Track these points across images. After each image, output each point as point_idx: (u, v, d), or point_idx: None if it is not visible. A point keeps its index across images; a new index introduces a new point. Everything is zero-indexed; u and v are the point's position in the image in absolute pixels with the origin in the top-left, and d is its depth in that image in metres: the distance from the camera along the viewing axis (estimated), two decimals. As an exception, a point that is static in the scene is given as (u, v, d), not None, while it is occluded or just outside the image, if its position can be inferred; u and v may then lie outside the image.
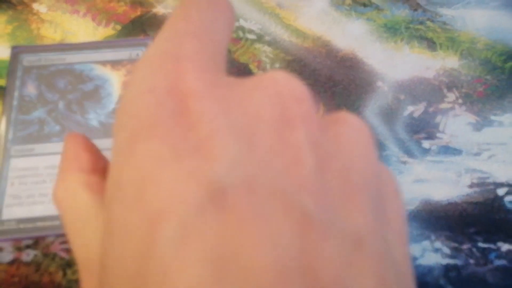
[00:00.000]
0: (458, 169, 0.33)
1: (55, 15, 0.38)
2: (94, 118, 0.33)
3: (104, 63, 0.35)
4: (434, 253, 0.30)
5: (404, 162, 0.33)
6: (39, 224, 0.29)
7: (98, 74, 0.34)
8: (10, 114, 0.33)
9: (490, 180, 0.32)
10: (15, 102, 0.33)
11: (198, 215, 0.09)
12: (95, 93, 0.34)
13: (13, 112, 0.33)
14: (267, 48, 0.37)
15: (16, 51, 0.35)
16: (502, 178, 0.32)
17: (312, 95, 0.12)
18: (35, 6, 0.38)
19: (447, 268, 0.29)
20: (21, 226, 0.29)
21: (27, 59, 0.35)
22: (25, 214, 0.30)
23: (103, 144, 0.32)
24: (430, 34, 0.38)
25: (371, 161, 0.12)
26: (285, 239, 0.09)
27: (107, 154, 0.32)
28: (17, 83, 0.33)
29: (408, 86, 0.36)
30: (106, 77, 0.34)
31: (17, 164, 0.31)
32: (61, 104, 0.33)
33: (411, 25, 0.38)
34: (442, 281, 0.29)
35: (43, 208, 0.30)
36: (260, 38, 0.37)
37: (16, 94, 0.33)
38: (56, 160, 0.31)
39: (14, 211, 0.30)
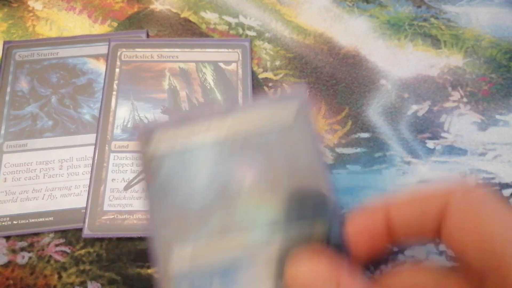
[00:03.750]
0: (463, 170, 0.32)
1: (50, 12, 0.37)
2: (87, 113, 0.32)
3: (97, 56, 0.34)
4: (439, 256, 0.29)
5: (408, 163, 0.32)
6: (33, 220, 0.29)
7: (91, 68, 0.34)
8: (2, 109, 0.32)
9: (496, 181, 0.32)
10: (7, 98, 0.32)
11: None
12: (88, 87, 0.33)
13: (5, 107, 0.32)
14: (267, 45, 0.36)
15: (8, 46, 0.35)
16: (507, 179, 0.32)
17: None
18: (31, 3, 0.38)
19: (452, 271, 0.29)
20: (15, 222, 0.29)
21: (19, 54, 0.34)
22: (19, 210, 0.29)
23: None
24: (434, 31, 0.37)
25: None
26: None
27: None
28: (9, 78, 0.33)
29: (412, 85, 0.35)
30: (99, 70, 0.34)
31: (9, 159, 0.31)
32: (53, 99, 0.33)
33: (414, 22, 0.38)
34: (447, 285, 0.28)
35: (36, 204, 0.29)
36: (260, 35, 0.37)
37: (8, 89, 0.33)
38: (49, 155, 0.31)
39: (8, 207, 0.29)
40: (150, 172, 0.23)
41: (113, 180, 0.30)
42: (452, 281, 0.17)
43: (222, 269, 0.22)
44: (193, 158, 0.24)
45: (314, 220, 0.22)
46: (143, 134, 0.23)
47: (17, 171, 0.31)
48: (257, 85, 0.35)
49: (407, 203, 0.18)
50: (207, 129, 0.24)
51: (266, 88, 0.35)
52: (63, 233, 0.29)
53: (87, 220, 0.29)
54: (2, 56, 0.34)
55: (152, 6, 0.38)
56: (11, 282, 0.28)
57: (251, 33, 0.36)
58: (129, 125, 0.32)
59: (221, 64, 0.34)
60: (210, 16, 0.37)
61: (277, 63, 0.36)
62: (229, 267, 0.22)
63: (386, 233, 0.19)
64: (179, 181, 0.24)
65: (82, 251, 0.29)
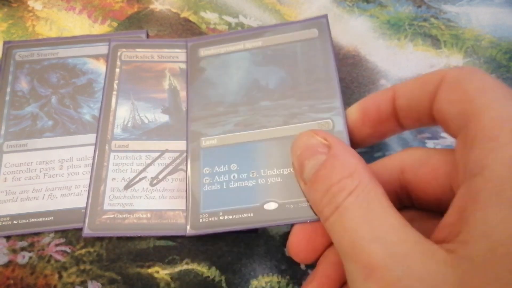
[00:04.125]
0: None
1: (50, 12, 0.37)
2: (87, 113, 0.32)
3: (97, 57, 0.34)
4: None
5: (408, 162, 0.32)
6: (33, 220, 0.29)
7: (91, 68, 0.34)
8: (2, 109, 0.32)
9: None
10: (7, 98, 0.32)
11: None
12: (88, 87, 0.33)
13: (5, 107, 0.32)
14: (267, 45, 0.36)
15: (8, 46, 0.35)
16: (507, 179, 0.32)
17: None
18: (31, 3, 0.38)
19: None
20: (15, 222, 0.29)
21: (19, 54, 0.34)
22: (19, 210, 0.29)
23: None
24: (434, 31, 0.37)
25: None
26: None
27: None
28: (9, 78, 0.33)
29: (412, 85, 0.35)
30: (99, 71, 0.34)
31: (9, 159, 0.31)
32: (53, 99, 0.33)
33: (414, 22, 0.38)
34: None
35: (37, 204, 0.29)
36: (260, 35, 0.37)
37: (8, 89, 0.33)
38: (50, 155, 0.31)
39: (8, 207, 0.29)
40: (197, 71, 0.31)
41: (113, 179, 0.30)
42: (436, 158, 0.18)
43: (239, 156, 0.28)
44: (232, 61, 0.30)
45: (322, 119, 0.27)
46: (194, 41, 0.32)
47: (17, 171, 0.31)
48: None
49: (410, 83, 0.20)
50: (245, 42, 0.31)
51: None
52: (63, 233, 0.29)
53: (87, 220, 0.29)
54: (2, 56, 0.34)
55: (152, 6, 0.38)
56: (12, 282, 0.28)
57: (251, 33, 0.36)
58: (129, 125, 0.32)
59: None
60: (210, 16, 0.37)
61: (277, 63, 0.35)
62: (245, 154, 0.28)
63: (391, 113, 0.20)
64: (218, 79, 0.30)
65: (83, 251, 0.29)
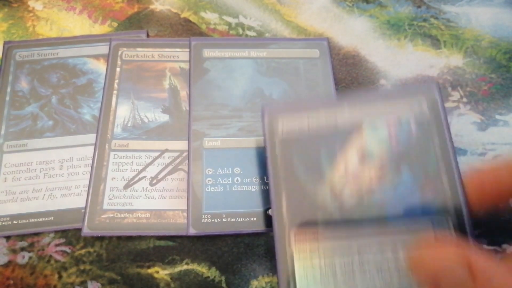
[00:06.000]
0: (462, 170, 0.32)
1: (51, 13, 0.38)
2: (87, 113, 0.32)
3: (97, 56, 0.34)
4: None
5: (408, 162, 0.32)
6: (33, 220, 0.29)
7: (91, 68, 0.34)
8: (3, 109, 0.32)
9: (496, 181, 0.32)
10: (7, 98, 0.33)
11: None
12: (88, 87, 0.33)
13: (6, 107, 0.32)
14: (267, 45, 0.36)
15: (9, 46, 0.35)
16: (507, 179, 0.32)
17: None
18: (31, 3, 0.38)
19: (452, 271, 0.29)
20: (15, 222, 0.29)
21: (20, 54, 0.34)
22: (19, 210, 0.29)
23: (97, 138, 0.32)
24: (434, 32, 0.37)
25: None
26: None
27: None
28: (10, 78, 0.33)
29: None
30: (99, 71, 0.34)
31: (10, 159, 0.31)
32: (54, 99, 0.33)
33: (414, 22, 0.38)
34: (447, 284, 0.28)
35: (37, 204, 0.29)
36: (260, 35, 0.37)
37: (8, 89, 0.33)
38: (50, 155, 0.31)
39: (8, 207, 0.29)
40: (200, 71, 0.32)
41: (113, 178, 0.30)
42: None
43: (243, 160, 0.29)
44: (236, 67, 0.32)
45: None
46: (197, 40, 0.33)
47: (17, 171, 0.31)
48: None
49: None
50: (249, 50, 0.33)
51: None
52: (63, 233, 0.29)
53: (86, 219, 0.29)
54: (2, 56, 0.34)
55: (152, 6, 0.38)
56: (12, 282, 0.28)
57: (251, 33, 0.37)
58: (129, 124, 0.32)
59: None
60: (210, 16, 0.37)
61: (277, 63, 0.36)
62: (249, 159, 0.29)
63: None
64: (222, 82, 0.31)
65: (82, 251, 0.29)
